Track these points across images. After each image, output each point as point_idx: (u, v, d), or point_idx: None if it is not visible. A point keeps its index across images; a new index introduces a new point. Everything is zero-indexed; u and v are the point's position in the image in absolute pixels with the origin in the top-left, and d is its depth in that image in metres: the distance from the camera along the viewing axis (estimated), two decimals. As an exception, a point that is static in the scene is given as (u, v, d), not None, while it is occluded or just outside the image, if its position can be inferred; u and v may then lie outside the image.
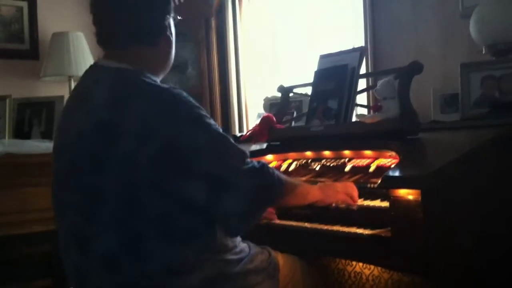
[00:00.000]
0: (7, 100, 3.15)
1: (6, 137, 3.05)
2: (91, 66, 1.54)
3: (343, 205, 1.81)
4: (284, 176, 1.59)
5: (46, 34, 3.59)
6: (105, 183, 1.35)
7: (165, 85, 1.43)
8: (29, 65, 3.59)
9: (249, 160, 1.46)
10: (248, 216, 1.44)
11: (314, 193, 1.72)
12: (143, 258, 1.36)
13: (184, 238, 1.39)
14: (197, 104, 1.43)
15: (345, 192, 1.79)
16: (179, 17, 1.62)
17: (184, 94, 1.42)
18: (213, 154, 1.38)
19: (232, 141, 1.46)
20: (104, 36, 1.52)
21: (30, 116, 3.23)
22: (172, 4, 1.57)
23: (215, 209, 1.39)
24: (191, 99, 1.42)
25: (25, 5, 3.62)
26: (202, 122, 1.40)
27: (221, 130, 1.44)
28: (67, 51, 3.40)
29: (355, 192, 1.81)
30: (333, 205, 1.81)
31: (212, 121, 1.43)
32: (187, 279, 1.40)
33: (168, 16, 1.54)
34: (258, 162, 1.49)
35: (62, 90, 3.42)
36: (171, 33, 1.57)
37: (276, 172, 1.54)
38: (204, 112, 1.42)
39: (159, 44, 1.53)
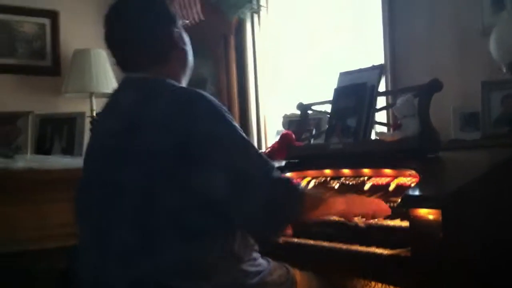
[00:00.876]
0: (29, 116, 3.20)
1: (28, 152, 3.09)
2: (120, 81, 1.64)
3: (362, 225, 1.79)
4: (307, 189, 1.61)
5: (68, 50, 3.64)
6: (126, 177, 1.39)
7: (187, 87, 1.51)
8: (51, 81, 3.65)
9: (274, 170, 1.46)
10: (269, 226, 1.44)
11: (338, 204, 1.68)
12: (159, 255, 1.37)
13: (200, 238, 1.40)
14: (220, 105, 1.45)
15: (371, 206, 1.75)
16: (186, 21, 1.70)
17: (209, 95, 1.46)
18: (236, 150, 1.40)
19: (256, 148, 1.48)
20: (122, 63, 1.61)
21: (52, 132, 3.27)
22: (174, 13, 1.63)
23: (234, 211, 1.39)
24: (214, 99, 1.45)
25: (47, 22, 3.68)
26: (224, 120, 1.43)
27: (242, 132, 1.45)
28: (89, 68, 3.44)
29: (383, 205, 1.77)
30: (353, 222, 1.79)
31: (235, 124, 1.45)
32: (202, 284, 1.40)
33: (173, 30, 1.59)
34: (280, 173, 1.50)
35: (83, 107, 3.46)
36: (183, 43, 1.62)
37: (300, 185, 1.59)
38: (228, 114, 1.45)
39: (172, 59, 1.59)
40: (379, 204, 1.77)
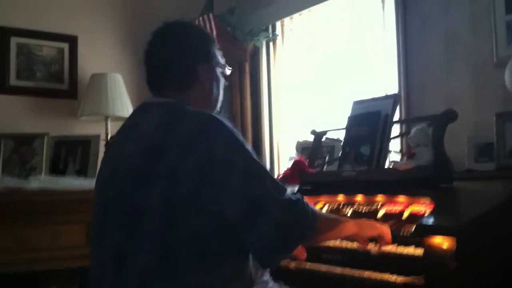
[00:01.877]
0: (45, 138, 3.23)
1: (42, 173, 3.11)
2: (139, 105, 1.67)
3: (375, 252, 1.80)
4: (319, 212, 1.60)
5: (85, 74, 3.69)
6: (147, 199, 1.41)
7: (206, 111, 1.53)
8: (68, 104, 3.69)
9: (286, 193, 1.49)
10: (280, 246, 1.45)
11: (349, 226, 1.70)
12: (176, 278, 1.38)
13: (215, 262, 1.41)
14: (237, 131, 1.50)
15: (381, 230, 1.78)
16: (229, 69, 1.77)
17: (226, 120, 1.51)
18: (252, 176, 1.44)
19: (268, 171, 1.51)
20: (150, 83, 1.70)
21: (66, 153, 3.30)
22: (208, 51, 1.69)
23: (247, 232, 1.41)
24: (231, 125, 1.50)
25: (66, 46, 3.74)
26: (240, 145, 1.47)
27: (258, 158, 1.50)
28: (105, 92, 3.48)
29: (388, 231, 1.79)
30: (373, 251, 1.80)
31: (250, 149, 1.49)
32: None
33: (200, 65, 1.66)
34: (294, 195, 1.51)
35: (98, 129, 3.50)
36: (208, 79, 1.67)
37: (311, 207, 1.55)
38: (243, 140, 1.49)
39: (192, 88, 1.65)
40: (386, 231, 1.80)
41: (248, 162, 1.46)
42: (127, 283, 1.42)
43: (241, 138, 1.49)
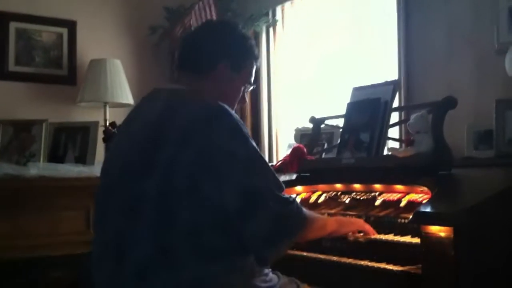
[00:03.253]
0: (44, 124, 3.22)
1: (41, 160, 3.11)
2: (149, 92, 1.67)
3: (361, 239, 1.83)
4: (307, 212, 1.62)
5: (84, 60, 3.68)
6: (148, 189, 1.41)
7: (213, 101, 1.51)
8: (67, 90, 3.69)
9: (283, 191, 1.51)
10: (273, 242, 1.47)
11: (331, 224, 1.78)
12: (175, 270, 1.39)
13: (214, 255, 1.41)
14: (243, 124, 1.49)
15: (358, 224, 1.86)
16: (253, 86, 1.79)
17: (233, 112, 1.50)
18: (252, 169, 1.44)
19: (271, 168, 1.52)
20: (176, 60, 1.74)
21: (65, 140, 3.29)
22: (244, 65, 1.70)
23: (245, 224, 1.42)
24: (237, 117, 1.50)
25: (65, 31, 3.73)
26: (243, 137, 1.46)
27: (261, 154, 1.51)
28: (104, 78, 3.47)
29: (367, 225, 1.86)
30: (351, 237, 1.85)
31: (253, 143, 1.49)
32: None
33: (223, 64, 1.65)
34: (290, 196, 1.53)
35: (97, 116, 3.49)
36: (222, 79, 1.66)
37: (303, 208, 1.58)
38: (247, 132, 1.49)
39: (205, 79, 1.64)
40: (363, 225, 1.86)
41: (251, 155, 1.46)
42: (126, 271, 1.42)
43: (246, 130, 1.48)
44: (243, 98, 1.75)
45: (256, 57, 1.74)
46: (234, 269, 1.45)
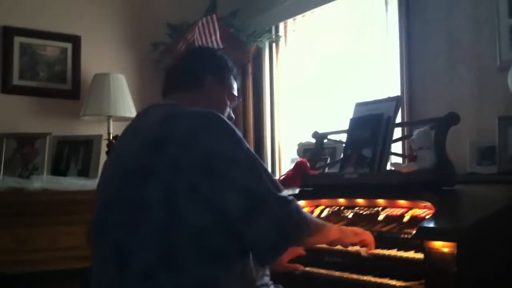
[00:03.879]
0: (47, 138, 3.23)
1: (44, 173, 3.12)
2: (144, 108, 1.71)
3: (364, 254, 1.83)
4: (308, 215, 1.64)
5: (88, 75, 3.70)
6: (149, 193, 1.42)
7: (208, 109, 1.56)
8: (70, 104, 3.70)
9: (282, 191, 1.53)
10: (278, 242, 1.48)
11: (334, 231, 1.76)
12: (179, 273, 1.39)
13: (217, 258, 1.43)
14: (238, 131, 1.54)
15: (361, 237, 1.84)
16: (237, 101, 1.87)
17: (228, 121, 1.55)
18: (252, 172, 1.47)
19: (268, 171, 1.54)
20: (163, 86, 1.81)
21: (68, 154, 3.30)
22: (228, 78, 1.80)
23: (247, 226, 1.43)
24: (232, 124, 1.54)
25: (69, 46, 3.75)
26: (240, 142, 1.50)
27: (258, 158, 1.54)
28: (108, 92, 3.49)
29: (371, 239, 1.85)
30: (364, 253, 1.83)
31: (250, 148, 1.53)
32: None
33: (210, 76, 1.75)
34: (289, 195, 1.54)
35: (101, 130, 3.50)
36: (212, 91, 1.74)
37: (304, 211, 1.59)
38: (243, 138, 1.53)
39: (193, 92, 1.72)
40: (367, 237, 1.85)
41: (249, 158, 1.49)
42: (129, 279, 1.42)
43: (241, 135, 1.52)
44: (230, 115, 1.81)
45: (235, 76, 1.83)
46: (237, 273, 1.46)
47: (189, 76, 1.74)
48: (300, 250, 2.00)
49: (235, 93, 1.83)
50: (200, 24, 3.59)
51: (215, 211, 1.41)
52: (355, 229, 1.87)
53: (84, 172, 3.18)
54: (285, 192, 1.54)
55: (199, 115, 1.51)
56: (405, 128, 2.72)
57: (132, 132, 1.63)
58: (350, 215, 2.12)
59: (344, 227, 1.87)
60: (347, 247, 1.85)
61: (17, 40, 3.60)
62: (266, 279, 1.60)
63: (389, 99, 2.30)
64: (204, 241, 1.41)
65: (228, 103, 1.79)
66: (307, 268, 1.94)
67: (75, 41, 3.76)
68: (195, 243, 1.40)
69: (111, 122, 3.54)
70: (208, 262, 1.41)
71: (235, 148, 1.47)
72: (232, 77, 1.81)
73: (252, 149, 1.54)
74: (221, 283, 1.42)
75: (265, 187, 1.47)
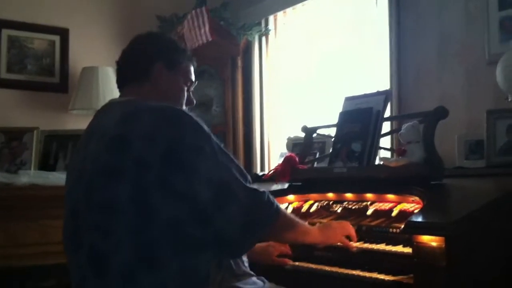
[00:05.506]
0: (35, 132, 3.21)
1: (32, 168, 3.09)
2: (101, 106, 1.68)
3: (354, 249, 1.85)
4: (284, 209, 1.63)
5: (76, 68, 3.67)
6: (117, 194, 1.40)
7: (167, 104, 1.54)
8: (58, 98, 3.67)
9: (251, 182, 1.53)
10: (246, 232, 1.47)
11: (314, 234, 1.76)
12: (159, 268, 1.39)
13: (195, 248, 1.43)
14: (203, 123, 1.51)
15: (343, 233, 1.85)
16: (194, 83, 1.79)
17: (188, 111, 1.53)
18: (219, 162, 1.47)
19: (235, 160, 1.54)
20: (116, 81, 1.75)
21: (56, 148, 3.28)
22: (178, 62, 1.72)
23: (216, 216, 1.43)
24: (195, 116, 1.51)
25: (57, 39, 3.72)
26: (205, 134, 1.49)
27: (225, 149, 1.53)
28: (96, 85, 3.46)
29: (352, 231, 1.86)
30: (353, 249, 1.84)
31: (217, 139, 1.51)
32: None
33: (158, 64, 1.68)
34: (259, 188, 1.54)
35: (89, 124, 3.48)
36: (161, 81, 1.68)
37: (276, 202, 1.58)
38: (208, 130, 1.51)
39: (144, 85, 1.66)
40: (348, 230, 1.86)
41: (216, 150, 1.48)
42: (110, 282, 1.41)
43: (206, 128, 1.51)
44: (190, 99, 1.76)
45: (189, 56, 1.77)
46: (216, 267, 1.47)
47: (136, 67, 1.68)
48: (285, 249, 2.00)
49: (192, 76, 1.76)
50: (189, 17, 3.57)
51: (186, 202, 1.40)
52: (336, 227, 1.88)
53: (72, 167, 3.15)
54: (256, 185, 1.54)
55: (158, 111, 1.49)
56: (394, 122, 2.72)
57: (93, 132, 1.58)
58: (339, 209, 2.13)
59: (324, 227, 1.87)
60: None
61: (5, 32, 3.56)
62: (247, 271, 1.60)
63: (378, 93, 2.30)
64: (180, 232, 1.40)
65: (185, 87, 1.74)
66: (297, 263, 1.95)
67: (63, 33, 3.73)
68: (171, 235, 1.40)
69: (100, 116, 3.51)
70: (186, 251, 1.41)
71: (202, 140, 1.46)
72: (185, 58, 1.75)
73: (218, 141, 1.52)
74: (201, 271, 1.43)
75: (234, 178, 1.47)
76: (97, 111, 1.68)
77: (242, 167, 1.54)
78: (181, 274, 1.40)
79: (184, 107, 1.72)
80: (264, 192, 1.53)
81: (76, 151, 1.66)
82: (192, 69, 1.76)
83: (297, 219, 1.74)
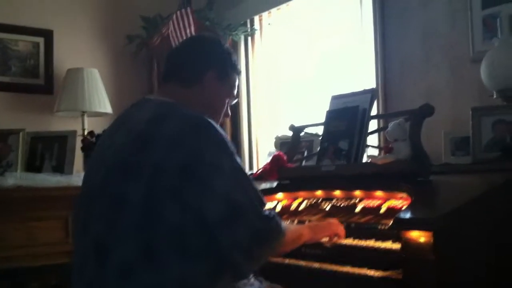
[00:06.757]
0: (20, 134, 3.18)
1: (18, 170, 3.06)
2: (137, 100, 1.67)
3: (328, 245, 1.86)
4: (285, 226, 1.61)
5: (61, 69, 3.65)
6: (131, 191, 1.41)
7: (200, 113, 1.53)
8: (44, 100, 3.65)
9: (265, 207, 1.53)
10: (252, 255, 1.47)
11: (305, 233, 1.76)
12: (158, 271, 1.39)
13: (197, 256, 1.41)
14: (227, 138, 1.51)
15: (331, 230, 1.86)
16: (236, 99, 1.82)
17: (218, 127, 1.52)
18: (236, 182, 1.46)
19: (253, 183, 1.53)
20: (163, 74, 1.75)
21: (42, 150, 3.25)
22: (228, 75, 1.72)
23: (224, 235, 1.42)
24: (223, 132, 1.52)
25: (41, 41, 3.70)
26: (228, 151, 1.48)
27: (246, 172, 1.54)
28: (81, 87, 3.45)
29: (341, 228, 1.87)
30: (327, 244, 1.86)
31: (239, 160, 1.51)
32: None
33: (210, 72, 1.68)
34: (270, 212, 1.53)
35: (75, 125, 3.46)
36: (210, 87, 1.67)
37: (282, 223, 1.57)
38: (232, 147, 1.51)
39: (192, 88, 1.66)
40: (337, 227, 1.87)
41: (235, 169, 1.47)
42: (108, 274, 1.41)
43: (230, 144, 1.50)
44: (227, 112, 1.77)
45: (239, 72, 1.79)
46: (216, 273, 1.45)
47: (189, 69, 1.68)
48: None
49: (235, 91, 1.78)
50: (174, 17, 3.57)
51: (195, 216, 1.40)
52: (325, 223, 1.90)
53: (58, 168, 3.13)
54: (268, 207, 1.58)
55: (189, 119, 1.48)
56: (381, 120, 2.74)
57: (122, 123, 1.60)
58: (327, 207, 2.14)
59: (314, 224, 1.89)
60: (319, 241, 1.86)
61: (-11, 35, 3.53)
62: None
63: (365, 92, 2.32)
64: (184, 240, 1.40)
65: (226, 102, 1.75)
66: (287, 260, 1.95)
67: (48, 35, 3.71)
68: (175, 242, 1.39)
69: (86, 118, 3.50)
70: (188, 260, 1.40)
71: (223, 158, 1.45)
72: (234, 74, 1.75)
73: (239, 160, 1.52)
74: (199, 281, 1.42)
75: (249, 201, 1.46)
76: (132, 104, 1.67)
77: (259, 191, 1.53)
78: (181, 279, 1.39)
79: (220, 119, 1.73)
80: (274, 217, 1.52)
81: (103, 137, 1.67)
82: (236, 84, 1.77)
83: (292, 228, 1.75)
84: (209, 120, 1.50)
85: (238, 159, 1.51)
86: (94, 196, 1.51)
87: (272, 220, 1.50)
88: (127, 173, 1.44)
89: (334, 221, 1.92)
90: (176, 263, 1.39)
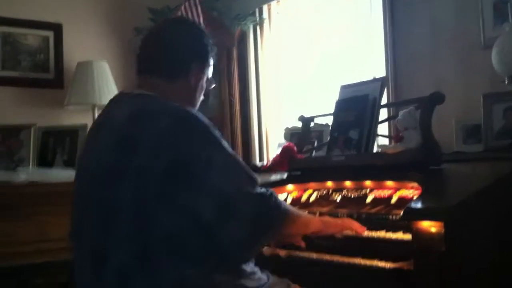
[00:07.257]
0: (32, 129, 3.20)
1: (30, 165, 3.09)
2: (115, 95, 1.64)
3: (339, 236, 1.81)
4: (288, 206, 1.61)
5: (71, 63, 3.66)
6: (122, 196, 1.39)
7: (181, 106, 1.48)
8: (54, 94, 3.66)
9: (258, 186, 1.49)
10: (249, 244, 1.46)
11: (315, 223, 1.72)
12: (155, 275, 1.38)
13: (194, 258, 1.40)
14: (212, 126, 1.48)
15: (345, 225, 1.80)
16: (213, 84, 1.74)
17: (201, 115, 1.48)
18: (226, 174, 1.43)
19: (244, 164, 1.50)
20: (140, 66, 1.65)
21: (54, 144, 3.27)
22: (209, 61, 1.67)
23: (219, 231, 1.40)
24: (207, 120, 1.48)
25: (51, 34, 3.70)
26: (217, 142, 1.45)
27: (233, 153, 1.49)
28: (91, 80, 3.45)
29: (355, 224, 1.80)
30: (339, 236, 1.82)
31: (225, 143, 1.48)
32: None
33: (195, 63, 1.62)
34: (267, 190, 1.50)
35: (85, 119, 3.47)
36: (195, 79, 1.64)
37: (282, 202, 1.56)
38: (218, 134, 1.47)
39: (177, 82, 1.61)
40: (351, 224, 1.80)
41: (224, 157, 1.45)
42: (105, 280, 1.41)
43: (216, 132, 1.47)
44: (206, 93, 1.72)
45: (214, 55, 1.71)
46: (217, 270, 1.44)
47: (173, 61, 1.60)
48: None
49: (210, 76, 1.71)
50: (182, 8, 3.55)
51: (188, 216, 1.38)
52: (338, 220, 1.84)
53: (70, 163, 3.15)
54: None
55: (173, 116, 1.44)
56: (391, 109, 2.72)
57: (103, 124, 1.55)
58: (338, 198, 2.13)
59: (327, 219, 1.81)
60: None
61: (-1, 29, 3.54)
62: (253, 267, 1.59)
63: (374, 80, 2.29)
64: (178, 244, 1.38)
65: (205, 87, 1.69)
66: (297, 252, 1.95)
67: (57, 29, 3.71)
68: (169, 245, 1.38)
69: (96, 111, 3.51)
70: (186, 261, 1.39)
71: (211, 149, 1.42)
72: (211, 58, 1.68)
73: (227, 144, 1.48)
74: (201, 280, 1.41)
75: (243, 189, 1.43)
76: (110, 100, 1.62)
77: (248, 169, 1.50)
78: (180, 282, 1.38)
79: (198, 103, 1.68)
80: (271, 194, 1.49)
81: (86, 141, 1.62)
82: (212, 63, 1.70)
83: (299, 212, 1.71)
84: (192, 112, 1.46)
85: (225, 143, 1.47)
86: (83, 203, 1.50)
87: (268, 199, 1.47)
88: (113, 178, 1.41)
89: (348, 220, 1.86)
90: (174, 265, 1.38)
